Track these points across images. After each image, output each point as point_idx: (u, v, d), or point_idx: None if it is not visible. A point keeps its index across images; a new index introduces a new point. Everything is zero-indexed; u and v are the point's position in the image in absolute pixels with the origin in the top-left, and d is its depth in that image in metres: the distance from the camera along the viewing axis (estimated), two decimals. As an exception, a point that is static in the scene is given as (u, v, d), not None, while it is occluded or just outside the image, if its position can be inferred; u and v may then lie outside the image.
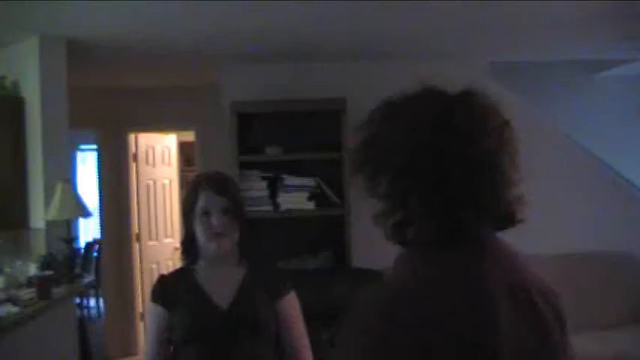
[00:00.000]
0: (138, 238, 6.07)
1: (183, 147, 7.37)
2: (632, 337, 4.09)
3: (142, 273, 5.97)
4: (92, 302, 7.42)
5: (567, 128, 4.80)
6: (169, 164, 6.74)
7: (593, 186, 4.74)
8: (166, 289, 1.86)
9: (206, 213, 1.80)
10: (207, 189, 1.81)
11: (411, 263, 1.01)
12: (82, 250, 7.06)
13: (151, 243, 6.17)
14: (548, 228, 4.63)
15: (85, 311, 6.94)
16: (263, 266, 1.96)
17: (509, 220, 1.12)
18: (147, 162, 6.29)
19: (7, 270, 3.39)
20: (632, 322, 4.35)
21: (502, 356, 0.93)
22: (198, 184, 1.85)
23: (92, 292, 7.30)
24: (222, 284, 1.86)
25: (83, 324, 4.02)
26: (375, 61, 4.62)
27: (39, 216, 3.67)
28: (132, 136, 6.11)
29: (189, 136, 6.58)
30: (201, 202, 1.80)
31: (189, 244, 1.86)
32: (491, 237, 1.07)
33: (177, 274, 1.92)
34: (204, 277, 1.86)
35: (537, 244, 4.55)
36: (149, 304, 1.88)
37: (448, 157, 1.01)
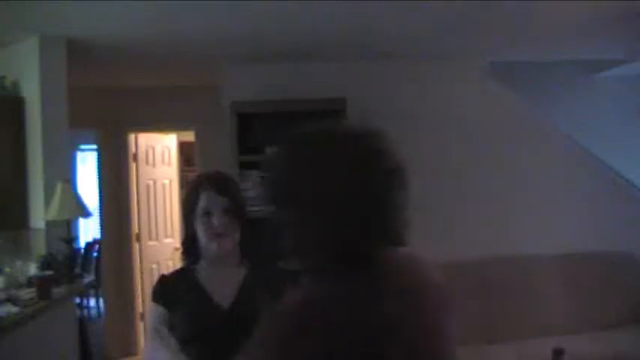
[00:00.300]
0: (138, 238, 6.07)
1: (183, 147, 7.37)
2: (632, 337, 4.09)
3: (142, 273, 5.97)
4: (92, 302, 7.42)
5: (567, 128, 4.80)
6: (169, 164, 6.74)
7: (593, 186, 4.74)
8: (167, 289, 1.85)
9: (207, 213, 1.80)
10: (208, 189, 1.81)
11: (315, 283, 1.17)
12: (82, 250, 7.07)
13: (150, 243, 6.17)
14: (548, 228, 4.64)
15: (85, 311, 6.95)
16: (264, 266, 1.95)
17: (398, 241, 1.24)
18: (147, 162, 6.29)
19: (7, 270, 3.39)
20: (632, 322, 4.35)
21: (393, 354, 1.10)
22: (199, 184, 1.84)
23: (92, 292, 7.31)
24: (223, 284, 1.86)
25: (83, 324, 4.02)
26: (375, 61, 4.62)
27: (39, 216, 3.67)
28: (132, 136, 6.11)
29: (189, 136, 6.58)
30: (202, 203, 1.79)
31: (189, 245, 1.86)
32: (383, 254, 1.20)
33: (177, 274, 1.91)
34: (205, 277, 1.85)
35: (537, 244, 4.58)
36: (150, 303, 1.87)
37: (346, 193, 1.15)
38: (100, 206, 5.89)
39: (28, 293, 3.10)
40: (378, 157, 1.23)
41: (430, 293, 1.24)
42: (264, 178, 1.27)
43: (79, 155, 9.15)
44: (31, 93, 3.76)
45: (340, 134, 1.24)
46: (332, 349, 1.06)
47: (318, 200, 1.16)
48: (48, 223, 3.61)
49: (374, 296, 1.13)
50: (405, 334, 1.13)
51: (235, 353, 1.76)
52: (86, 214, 3.59)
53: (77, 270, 3.76)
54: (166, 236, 6.34)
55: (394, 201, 1.25)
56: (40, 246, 3.66)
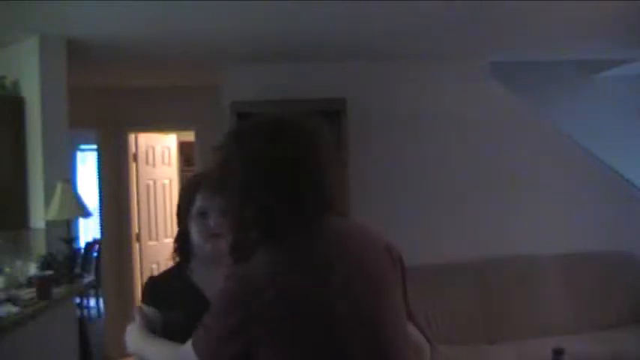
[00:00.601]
0: (138, 238, 6.08)
1: (183, 147, 7.37)
2: (632, 337, 4.10)
3: (141, 273, 5.98)
4: (92, 302, 7.42)
5: (567, 128, 4.80)
6: (169, 164, 6.75)
7: (593, 186, 4.74)
8: (159, 290, 1.81)
9: (203, 213, 1.77)
10: (205, 189, 1.79)
11: (262, 253, 1.33)
12: (82, 250, 7.06)
13: (150, 243, 6.17)
14: (548, 228, 4.64)
15: (85, 311, 6.94)
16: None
17: (337, 211, 1.41)
18: (147, 162, 6.30)
19: (7, 270, 3.39)
20: (632, 322, 4.36)
21: (337, 308, 1.29)
22: (195, 183, 1.82)
23: (92, 292, 7.30)
24: (217, 285, 1.84)
25: (83, 324, 4.02)
26: (375, 61, 4.62)
27: (39, 216, 3.67)
28: (132, 136, 6.11)
29: (189, 136, 6.58)
30: (198, 202, 1.77)
31: (182, 244, 1.83)
32: (325, 223, 1.37)
33: (169, 274, 1.86)
34: (200, 278, 1.82)
35: (537, 244, 4.58)
36: (138, 306, 1.79)
37: (281, 173, 1.34)
38: (100, 206, 5.89)
39: (28, 293, 3.10)
40: (310, 138, 1.40)
41: (370, 255, 1.41)
42: (214, 169, 1.44)
43: (79, 155, 9.15)
44: (31, 93, 3.76)
45: (275, 122, 1.42)
46: (282, 307, 1.26)
47: (253, 183, 1.34)
48: (48, 223, 3.61)
49: (313, 259, 1.32)
50: (344, 292, 1.30)
51: None
52: (86, 214, 3.59)
53: (77, 270, 3.76)
54: (166, 236, 6.33)
55: (327, 175, 1.39)
56: (40, 246, 3.66)
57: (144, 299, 1.80)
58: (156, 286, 1.83)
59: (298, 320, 1.27)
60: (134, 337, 1.67)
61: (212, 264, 1.84)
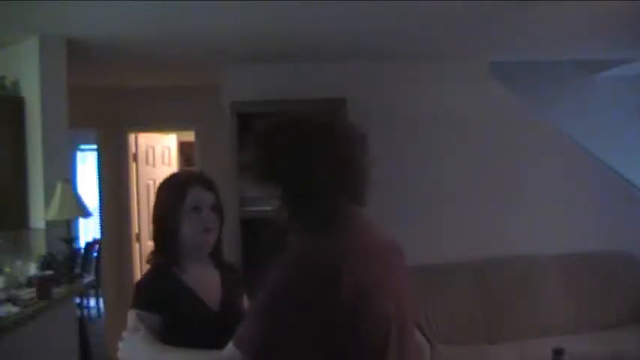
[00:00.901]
0: (138, 238, 6.08)
1: (183, 147, 7.37)
2: (632, 337, 4.10)
3: (141, 273, 5.98)
4: (92, 302, 7.42)
5: (567, 128, 4.80)
6: (169, 164, 6.75)
7: (593, 186, 4.75)
8: (153, 293, 1.74)
9: (196, 208, 1.78)
10: (196, 185, 1.79)
11: (302, 239, 1.43)
12: (82, 250, 7.06)
13: (150, 243, 6.14)
14: (548, 228, 4.64)
15: (85, 311, 6.94)
16: (228, 266, 1.96)
17: (361, 202, 1.50)
18: (147, 162, 6.30)
19: (7, 270, 3.39)
20: (632, 322, 4.36)
21: (376, 298, 1.37)
22: (184, 180, 1.82)
23: (92, 292, 7.30)
24: (207, 285, 1.83)
25: (83, 324, 4.02)
26: (375, 61, 4.62)
27: (39, 216, 3.67)
28: (132, 136, 6.11)
29: (190, 136, 6.59)
30: (190, 198, 1.77)
31: (170, 243, 1.79)
32: (351, 213, 1.47)
33: (156, 276, 1.80)
34: (190, 278, 1.81)
35: (537, 244, 4.58)
36: (133, 312, 1.70)
37: (317, 166, 1.42)
38: (100, 206, 5.89)
39: (28, 293, 3.10)
40: (341, 133, 1.48)
41: (392, 249, 1.52)
42: (255, 159, 1.49)
43: (79, 155, 9.15)
44: (31, 93, 3.76)
45: (306, 118, 1.50)
46: (321, 290, 1.31)
47: (297, 173, 1.42)
48: (48, 223, 3.61)
49: (354, 248, 1.39)
50: (382, 284, 1.39)
51: None
52: (86, 214, 3.59)
53: (77, 270, 3.76)
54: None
55: (358, 168, 1.47)
56: (40, 246, 3.66)
57: (138, 304, 1.72)
58: (149, 290, 1.76)
59: (347, 307, 1.31)
60: (144, 348, 1.59)
61: (198, 262, 1.84)
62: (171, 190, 1.81)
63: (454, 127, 4.68)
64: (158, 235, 1.81)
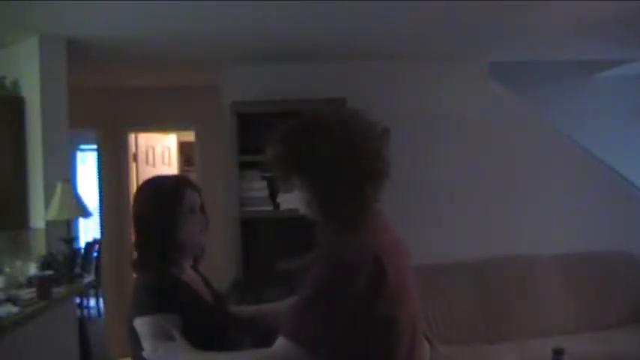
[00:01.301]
0: (138, 238, 6.07)
1: (183, 147, 7.37)
2: (632, 337, 4.09)
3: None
4: (92, 302, 7.42)
5: (567, 128, 4.80)
6: (169, 164, 6.75)
7: (593, 186, 4.74)
8: (166, 295, 1.72)
9: (192, 210, 1.83)
10: (189, 187, 1.85)
11: (340, 235, 1.49)
12: (82, 250, 7.06)
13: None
14: (548, 228, 4.64)
15: (85, 311, 6.94)
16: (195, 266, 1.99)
17: (379, 198, 1.55)
18: (147, 162, 6.30)
19: (7, 270, 3.39)
20: (632, 322, 4.35)
21: (406, 292, 1.49)
22: (179, 183, 1.86)
23: (92, 292, 7.30)
24: (198, 283, 1.89)
25: (83, 324, 4.01)
26: (375, 61, 4.62)
27: (39, 216, 3.67)
28: (132, 136, 6.11)
29: (189, 136, 6.59)
30: (187, 200, 1.81)
31: (170, 245, 1.79)
32: (377, 211, 1.54)
33: (161, 278, 1.76)
34: (187, 278, 1.85)
35: (537, 244, 4.58)
36: (150, 318, 1.67)
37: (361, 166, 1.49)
38: (100, 206, 5.88)
39: (28, 293, 3.10)
40: (369, 128, 1.54)
41: (401, 242, 1.61)
42: (292, 157, 1.53)
43: (79, 155, 9.15)
44: (31, 93, 3.76)
45: (336, 115, 1.57)
46: (362, 282, 1.39)
47: (332, 169, 1.47)
48: (48, 223, 3.61)
49: (379, 240, 1.49)
50: (400, 271, 1.48)
51: (229, 349, 1.77)
52: (86, 214, 3.59)
53: (77, 270, 3.75)
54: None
55: (383, 163, 1.52)
56: (40, 246, 3.66)
57: (158, 308, 1.67)
58: (163, 292, 1.73)
59: (385, 296, 1.41)
60: (189, 356, 1.58)
61: (189, 262, 1.89)
62: (166, 193, 1.82)
63: (454, 127, 4.67)
64: (155, 239, 1.78)
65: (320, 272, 1.41)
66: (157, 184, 1.89)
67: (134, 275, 1.84)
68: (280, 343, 1.39)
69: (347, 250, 1.43)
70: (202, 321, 1.75)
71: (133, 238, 1.87)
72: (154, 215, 1.79)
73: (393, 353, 1.45)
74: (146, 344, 1.63)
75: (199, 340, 1.65)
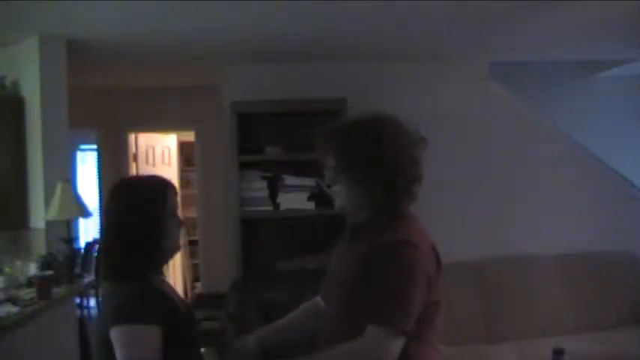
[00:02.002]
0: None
1: (183, 147, 7.38)
2: (632, 337, 4.09)
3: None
4: (92, 302, 7.40)
5: (567, 128, 4.80)
6: (169, 164, 6.75)
7: (593, 186, 4.74)
8: (146, 304, 1.62)
9: (174, 213, 1.75)
10: (171, 190, 1.76)
11: (402, 224, 1.68)
12: (82, 250, 7.05)
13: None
14: (548, 228, 4.64)
15: (85, 311, 6.93)
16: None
17: None
18: (147, 162, 6.30)
19: (7, 270, 3.39)
20: (632, 322, 4.35)
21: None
22: (163, 185, 1.76)
23: (92, 292, 7.29)
24: (173, 290, 1.83)
25: (83, 324, 4.02)
26: (375, 61, 4.62)
27: (39, 216, 3.67)
28: (132, 136, 6.12)
29: (190, 136, 6.59)
30: (170, 203, 1.73)
31: (152, 250, 1.69)
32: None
33: (138, 287, 1.66)
34: (162, 283, 1.76)
35: (537, 244, 4.57)
36: (135, 328, 1.56)
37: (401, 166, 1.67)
38: (100, 206, 5.88)
39: (28, 293, 3.10)
40: (414, 131, 1.74)
41: None
42: (347, 146, 1.68)
43: (79, 155, 9.14)
44: (31, 93, 3.76)
45: (385, 117, 1.78)
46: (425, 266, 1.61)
47: (391, 167, 1.63)
48: (48, 223, 3.61)
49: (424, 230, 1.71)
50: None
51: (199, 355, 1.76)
52: (86, 214, 3.59)
53: (77, 270, 3.75)
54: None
55: (421, 165, 1.70)
56: (40, 246, 3.66)
57: (141, 319, 1.57)
58: (140, 302, 1.61)
59: (441, 279, 1.68)
60: None
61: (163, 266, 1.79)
62: (150, 195, 1.71)
63: (454, 127, 4.67)
64: (139, 245, 1.66)
65: (399, 257, 1.54)
66: (138, 185, 1.79)
67: (107, 283, 1.71)
68: (372, 330, 1.46)
69: (417, 239, 1.60)
70: (180, 328, 1.67)
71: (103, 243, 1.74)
72: (137, 219, 1.66)
73: (433, 335, 1.72)
74: (123, 355, 1.54)
75: (176, 352, 1.60)
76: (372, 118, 1.76)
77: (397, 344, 1.47)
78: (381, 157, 1.63)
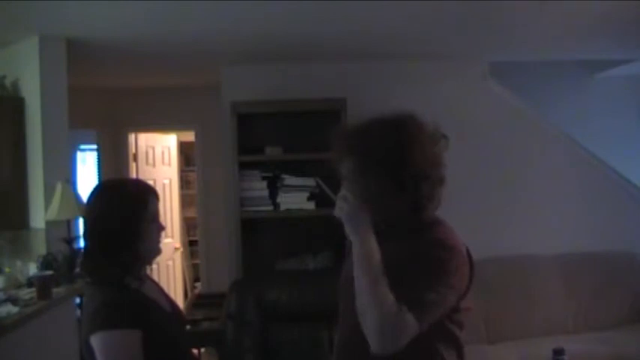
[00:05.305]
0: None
1: (183, 147, 7.38)
2: (632, 337, 4.09)
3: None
4: (92, 302, 7.41)
5: (567, 128, 4.80)
6: (169, 164, 6.75)
7: (593, 186, 4.74)
8: (126, 309, 1.61)
9: (155, 218, 1.75)
10: (152, 195, 1.76)
11: (440, 227, 1.68)
12: (82, 250, 7.05)
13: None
14: (548, 228, 4.64)
15: (85, 311, 6.93)
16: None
17: None
18: (147, 162, 6.30)
19: (7, 270, 3.39)
20: (632, 322, 4.35)
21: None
22: (144, 190, 1.76)
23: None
24: (156, 291, 1.82)
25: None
26: (375, 61, 4.62)
27: (39, 216, 3.67)
28: (132, 136, 6.11)
29: (190, 136, 6.59)
30: (151, 208, 1.73)
31: (131, 254, 1.69)
32: None
33: (118, 292, 1.65)
34: (146, 288, 1.75)
35: (537, 244, 4.57)
36: (112, 333, 1.56)
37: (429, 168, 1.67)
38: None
39: (28, 293, 3.10)
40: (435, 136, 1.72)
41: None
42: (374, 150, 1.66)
43: (79, 155, 9.14)
44: (31, 93, 3.76)
45: (416, 120, 1.77)
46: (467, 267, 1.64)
47: (423, 167, 1.63)
48: (48, 223, 3.61)
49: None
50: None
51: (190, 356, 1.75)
52: (86, 214, 3.59)
53: (77, 270, 3.75)
54: (166, 236, 6.34)
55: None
56: (40, 246, 3.66)
57: (122, 324, 1.57)
58: (122, 306, 1.61)
59: (472, 279, 1.67)
60: None
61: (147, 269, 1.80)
62: (131, 200, 1.71)
63: (454, 127, 4.63)
64: (117, 250, 1.67)
65: (434, 258, 1.54)
66: (119, 188, 1.78)
67: (87, 286, 1.72)
68: (411, 321, 1.47)
69: (455, 241, 1.62)
70: (165, 331, 1.67)
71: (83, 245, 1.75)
72: (118, 223, 1.67)
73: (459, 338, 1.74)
74: None
75: (160, 353, 1.60)
76: (393, 118, 1.78)
77: (414, 330, 1.47)
78: (406, 161, 1.60)
